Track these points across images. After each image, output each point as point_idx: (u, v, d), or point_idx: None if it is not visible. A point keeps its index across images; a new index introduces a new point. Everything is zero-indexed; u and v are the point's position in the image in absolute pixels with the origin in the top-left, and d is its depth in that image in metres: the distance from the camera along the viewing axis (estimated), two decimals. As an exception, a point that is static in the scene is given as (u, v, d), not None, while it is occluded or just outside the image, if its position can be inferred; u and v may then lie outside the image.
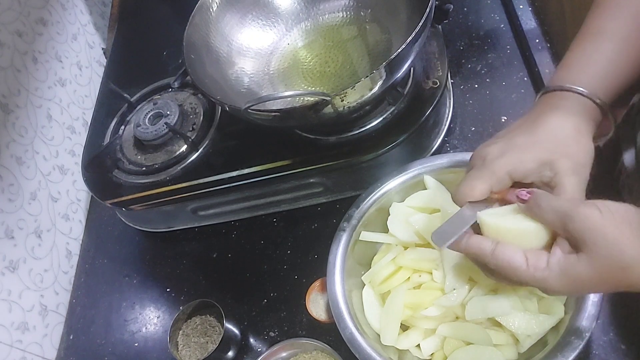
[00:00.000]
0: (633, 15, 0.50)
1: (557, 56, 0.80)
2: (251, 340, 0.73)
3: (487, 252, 0.45)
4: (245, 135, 0.77)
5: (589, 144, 0.48)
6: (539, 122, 0.49)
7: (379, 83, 0.62)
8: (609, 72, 0.50)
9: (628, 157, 0.61)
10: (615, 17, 0.51)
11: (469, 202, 0.48)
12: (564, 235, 0.42)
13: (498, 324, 0.58)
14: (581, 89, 0.49)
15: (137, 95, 0.88)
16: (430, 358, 0.61)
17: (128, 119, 0.86)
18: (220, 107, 0.81)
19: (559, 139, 0.47)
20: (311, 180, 0.76)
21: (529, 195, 0.45)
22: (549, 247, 0.44)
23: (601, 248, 0.40)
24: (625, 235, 0.39)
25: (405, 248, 0.65)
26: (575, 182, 0.45)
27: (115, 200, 0.79)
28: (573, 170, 0.46)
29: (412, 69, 0.74)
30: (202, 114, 0.81)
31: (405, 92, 0.73)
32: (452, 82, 0.82)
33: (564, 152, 0.46)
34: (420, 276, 0.62)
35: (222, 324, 0.69)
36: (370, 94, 0.63)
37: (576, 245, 0.41)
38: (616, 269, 0.39)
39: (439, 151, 0.77)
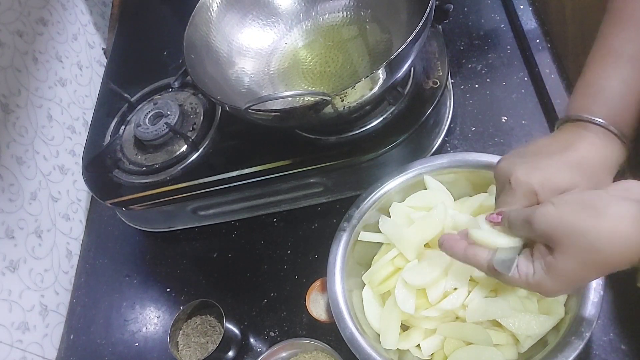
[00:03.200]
0: None
1: (558, 56, 0.80)
2: (251, 340, 0.73)
3: (483, 264, 0.47)
4: (245, 135, 0.77)
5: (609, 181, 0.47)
6: (569, 146, 0.48)
7: (379, 83, 0.62)
8: (629, 102, 0.49)
9: None
10: (631, 39, 0.50)
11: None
12: (538, 240, 0.43)
13: (498, 324, 0.58)
14: (601, 120, 0.48)
15: (138, 95, 0.88)
16: (430, 358, 0.61)
17: (128, 119, 0.86)
18: (220, 107, 0.81)
19: (591, 166, 0.47)
20: (311, 180, 0.76)
21: (499, 216, 0.47)
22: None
23: (567, 239, 0.40)
24: (582, 219, 0.39)
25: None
26: None
27: (116, 200, 0.79)
28: None
29: (412, 69, 0.74)
30: (202, 114, 0.81)
31: (405, 92, 0.73)
32: (452, 82, 0.82)
33: (593, 182, 0.46)
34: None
35: (223, 324, 0.69)
36: (370, 94, 0.63)
37: (549, 245, 0.42)
38: (591, 254, 0.39)
39: (439, 151, 0.77)
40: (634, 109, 0.49)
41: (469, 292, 0.59)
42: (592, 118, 0.48)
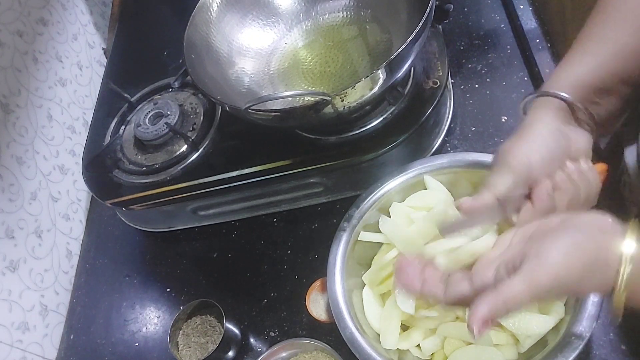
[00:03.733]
0: (632, 22, 0.50)
1: (558, 56, 0.80)
2: (251, 340, 0.73)
3: (440, 299, 0.44)
4: (245, 135, 0.77)
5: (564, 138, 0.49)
6: (528, 124, 0.51)
7: (379, 83, 0.62)
8: (588, 69, 0.50)
9: (629, 155, 0.61)
10: (615, 28, 0.51)
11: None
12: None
13: (498, 324, 0.58)
14: (562, 94, 0.50)
15: (138, 95, 0.88)
16: (430, 358, 0.61)
17: (128, 119, 0.86)
18: (220, 107, 0.81)
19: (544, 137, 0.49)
20: (311, 180, 0.76)
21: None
22: None
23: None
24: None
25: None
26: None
27: (116, 200, 0.79)
28: None
29: (412, 69, 0.74)
30: (202, 114, 0.81)
31: (405, 92, 0.73)
32: (452, 82, 0.82)
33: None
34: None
35: (223, 324, 0.69)
36: (370, 94, 0.63)
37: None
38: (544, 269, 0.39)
39: (439, 151, 0.77)
40: (593, 76, 0.50)
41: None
42: (544, 90, 0.51)
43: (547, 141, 0.48)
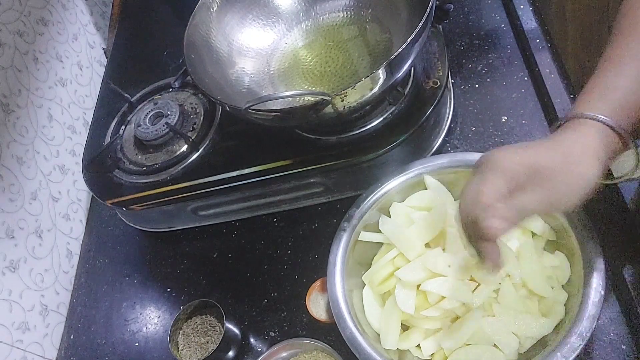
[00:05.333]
0: None
1: (558, 56, 0.80)
2: (251, 340, 0.73)
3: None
4: (245, 135, 0.77)
5: (595, 171, 0.46)
6: (553, 137, 0.48)
7: (380, 83, 0.62)
8: (631, 97, 0.48)
9: None
10: (637, 41, 0.49)
11: None
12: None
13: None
14: (602, 117, 0.46)
15: (138, 95, 0.88)
16: (430, 358, 0.61)
17: (129, 118, 0.86)
18: (220, 107, 0.81)
19: (569, 147, 0.46)
20: (311, 180, 0.75)
21: None
22: None
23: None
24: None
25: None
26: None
27: (116, 200, 0.79)
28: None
29: (412, 69, 0.74)
30: (202, 113, 0.81)
31: (405, 92, 0.73)
32: (452, 82, 0.82)
33: (571, 162, 0.46)
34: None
35: (223, 324, 0.69)
36: (370, 94, 0.63)
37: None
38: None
39: (440, 151, 0.77)
40: (637, 104, 0.48)
41: (471, 290, 0.59)
42: (587, 114, 0.47)
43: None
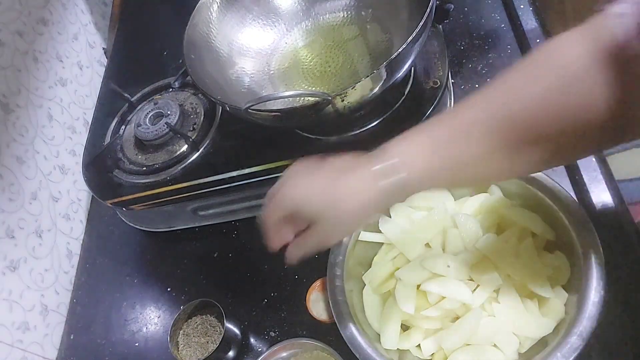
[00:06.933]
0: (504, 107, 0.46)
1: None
2: (252, 340, 0.73)
3: None
4: (245, 135, 0.77)
5: (363, 210, 0.48)
6: (345, 172, 0.49)
7: (380, 83, 0.62)
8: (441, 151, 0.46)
9: None
10: (482, 109, 0.47)
11: None
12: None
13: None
14: (395, 159, 0.46)
15: (138, 95, 0.88)
16: (430, 358, 0.61)
17: (129, 118, 0.86)
18: (220, 107, 0.81)
19: (348, 184, 0.48)
20: (311, 180, 0.75)
21: None
22: None
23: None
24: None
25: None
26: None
27: (116, 200, 0.79)
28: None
29: (412, 68, 0.74)
30: (202, 113, 0.81)
31: (405, 92, 0.73)
32: (452, 82, 0.82)
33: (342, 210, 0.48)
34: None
35: (223, 324, 0.69)
36: (370, 94, 0.63)
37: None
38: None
39: (440, 151, 0.77)
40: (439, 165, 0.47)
41: (471, 290, 0.59)
42: (386, 147, 0.48)
43: None
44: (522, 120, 0.45)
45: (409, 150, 0.47)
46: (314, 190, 0.49)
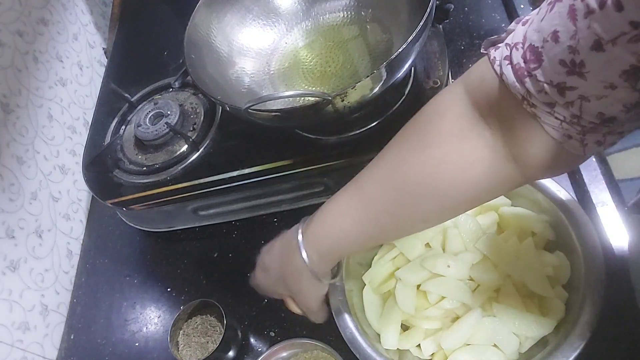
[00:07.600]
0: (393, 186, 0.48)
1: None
2: (252, 340, 0.73)
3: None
4: (245, 135, 0.77)
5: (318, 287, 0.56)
6: (287, 262, 0.56)
7: (380, 83, 0.62)
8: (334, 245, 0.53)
9: None
10: (376, 181, 0.49)
11: None
12: None
13: (498, 324, 0.58)
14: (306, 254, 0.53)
15: (138, 95, 0.88)
16: (430, 358, 0.61)
17: (129, 118, 0.86)
18: (220, 107, 0.81)
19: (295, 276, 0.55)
20: (312, 180, 0.75)
21: None
22: None
23: None
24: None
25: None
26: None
27: (116, 200, 0.79)
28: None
29: (412, 68, 0.74)
30: (202, 113, 0.81)
31: (405, 92, 0.73)
32: (452, 82, 0.82)
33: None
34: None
35: (223, 324, 0.69)
36: (371, 94, 0.63)
37: None
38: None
39: (440, 151, 0.77)
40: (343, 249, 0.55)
41: (471, 290, 0.59)
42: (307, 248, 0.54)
43: None
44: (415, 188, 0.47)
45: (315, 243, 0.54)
46: (272, 281, 0.59)
